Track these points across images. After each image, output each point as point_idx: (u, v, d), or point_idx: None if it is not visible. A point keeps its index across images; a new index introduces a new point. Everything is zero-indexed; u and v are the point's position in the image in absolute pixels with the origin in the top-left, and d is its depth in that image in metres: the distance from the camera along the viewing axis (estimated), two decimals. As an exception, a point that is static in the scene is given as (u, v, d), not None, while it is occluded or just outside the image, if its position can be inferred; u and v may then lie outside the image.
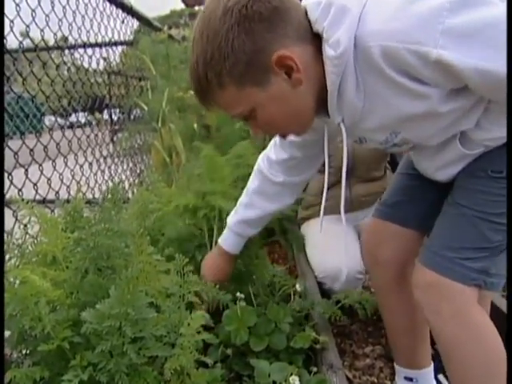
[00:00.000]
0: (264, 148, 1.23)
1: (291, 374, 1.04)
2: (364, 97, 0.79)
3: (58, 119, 2.50)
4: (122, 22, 2.65)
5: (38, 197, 1.63)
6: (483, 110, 0.81)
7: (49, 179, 1.75)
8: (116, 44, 2.64)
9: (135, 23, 2.86)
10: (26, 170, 1.60)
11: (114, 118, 3.07)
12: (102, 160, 2.32)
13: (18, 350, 0.90)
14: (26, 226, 1.01)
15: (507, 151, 0.78)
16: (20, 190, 1.47)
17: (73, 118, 2.61)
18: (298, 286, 1.45)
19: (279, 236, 1.80)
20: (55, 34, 1.91)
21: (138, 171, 2.85)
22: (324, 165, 1.02)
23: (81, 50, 2.25)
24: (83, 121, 2.60)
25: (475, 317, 0.86)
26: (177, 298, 0.96)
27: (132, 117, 3.05)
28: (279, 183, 1.19)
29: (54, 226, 0.95)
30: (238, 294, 1.23)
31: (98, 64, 2.43)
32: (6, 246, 0.93)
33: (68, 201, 1.13)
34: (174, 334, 0.87)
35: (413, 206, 1.08)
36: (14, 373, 0.75)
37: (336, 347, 1.29)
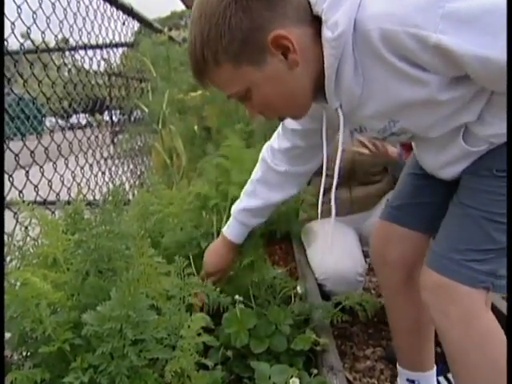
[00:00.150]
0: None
1: (291, 376, 1.04)
2: (363, 82, 0.78)
3: (59, 121, 2.50)
4: (123, 23, 2.65)
5: (38, 198, 1.64)
6: (485, 103, 0.80)
7: (49, 181, 1.75)
8: (117, 46, 2.65)
9: (136, 25, 2.87)
10: (27, 172, 1.60)
11: (115, 119, 3.07)
12: (102, 161, 2.33)
13: (18, 351, 0.90)
14: (26, 228, 1.01)
15: (507, 150, 0.78)
16: (21, 191, 1.47)
17: (73, 120, 2.61)
18: (298, 287, 1.45)
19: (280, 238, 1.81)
20: (56, 36, 1.91)
21: (139, 173, 2.86)
22: (326, 168, 1.01)
23: (81, 52, 2.25)
24: (84, 122, 2.60)
25: (483, 321, 0.84)
26: (177, 300, 0.96)
27: (132, 118, 3.06)
28: (282, 173, 1.19)
29: (55, 228, 0.95)
30: (237, 296, 1.23)
31: (98, 65, 2.44)
32: (6, 248, 0.93)
33: (69, 202, 1.13)
34: (174, 336, 0.87)
35: (420, 208, 1.07)
36: (14, 375, 0.75)
37: (336, 349, 1.29)
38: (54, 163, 1.81)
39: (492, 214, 0.82)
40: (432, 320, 0.90)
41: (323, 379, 1.11)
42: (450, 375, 1.32)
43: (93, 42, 2.27)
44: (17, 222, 1.23)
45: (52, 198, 1.74)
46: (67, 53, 2.30)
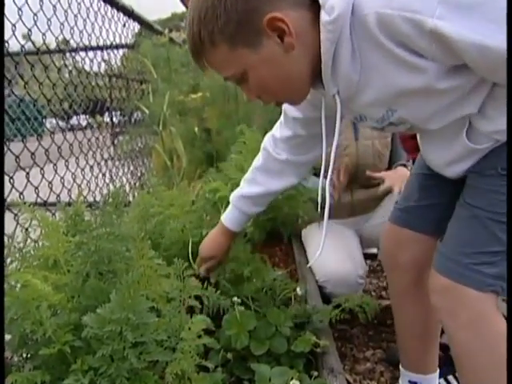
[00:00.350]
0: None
1: (292, 378, 1.03)
2: (360, 68, 0.77)
3: (60, 122, 2.51)
4: (123, 25, 2.66)
5: (39, 200, 1.64)
6: (487, 95, 0.79)
7: (50, 182, 1.75)
8: (117, 47, 2.65)
9: (136, 26, 2.87)
10: (27, 173, 1.60)
11: (115, 120, 3.08)
12: (103, 163, 2.33)
13: (18, 353, 0.90)
14: (27, 229, 1.01)
15: (507, 149, 0.77)
16: (21, 193, 1.47)
17: (74, 121, 2.62)
18: (298, 289, 1.45)
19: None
20: (57, 38, 1.91)
21: (139, 174, 2.86)
22: (327, 170, 1.00)
23: (82, 53, 2.26)
24: (84, 124, 2.60)
25: (493, 324, 0.83)
26: (177, 303, 0.96)
27: (133, 120, 3.06)
28: (283, 161, 1.19)
29: (55, 230, 0.95)
30: (236, 298, 1.23)
31: (99, 67, 2.44)
32: (7, 250, 0.93)
33: (69, 204, 1.13)
34: (174, 338, 0.87)
35: (428, 210, 1.06)
36: (14, 377, 0.75)
37: (337, 351, 1.29)
38: (55, 165, 1.81)
39: (497, 214, 0.80)
40: (441, 322, 0.90)
41: (323, 381, 1.10)
42: (450, 377, 1.32)
43: (93, 43, 2.27)
44: (17, 223, 1.23)
45: (52, 199, 1.74)
46: (68, 54, 2.31)
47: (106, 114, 2.93)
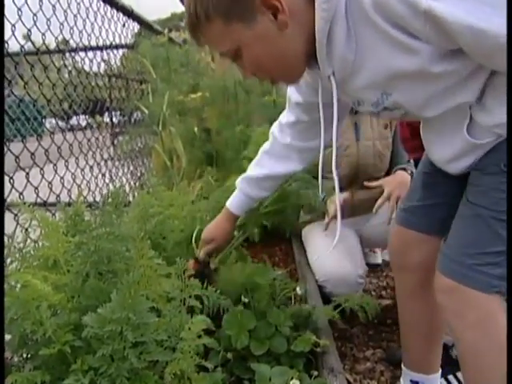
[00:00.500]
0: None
1: (292, 378, 1.04)
2: (356, 48, 0.77)
3: (59, 122, 2.51)
4: (123, 25, 2.65)
5: (38, 200, 1.63)
6: (486, 84, 0.78)
7: (50, 182, 1.75)
8: (117, 47, 2.65)
9: (136, 26, 2.87)
10: (27, 173, 1.60)
11: (115, 120, 3.07)
12: (102, 163, 2.33)
13: (19, 353, 0.90)
14: (27, 229, 1.01)
15: (507, 147, 0.76)
16: (21, 193, 1.47)
17: (73, 121, 2.62)
18: (298, 289, 1.45)
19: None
20: (56, 38, 1.91)
21: (139, 174, 2.85)
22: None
23: (82, 54, 2.26)
24: (84, 124, 2.60)
25: (501, 324, 0.82)
26: (177, 303, 0.96)
27: (133, 120, 3.06)
28: (287, 146, 1.21)
29: (55, 230, 0.95)
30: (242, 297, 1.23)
31: (98, 67, 2.44)
32: (7, 250, 0.93)
33: (69, 204, 1.14)
34: (174, 338, 0.87)
35: (433, 210, 1.06)
36: (14, 377, 0.75)
37: (337, 351, 1.29)
38: (55, 165, 1.81)
39: (500, 212, 0.80)
40: (447, 321, 0.90)
41: (323, 381, 1.11)
42: (450, 377, 1.33)
43: (93, 43, 2.27)
44: (17, 223, 1.23)
45: (52, 199, 1.74)
46: (67, 54, 2.31)
47: (106, 114, 2.93)
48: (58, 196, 1.79)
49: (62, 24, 1.90)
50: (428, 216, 1.07)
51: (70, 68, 2.27)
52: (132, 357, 0.78)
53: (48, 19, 1.77)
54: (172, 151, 2.31)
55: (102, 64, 2.52)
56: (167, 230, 1.39)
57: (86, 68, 2.37)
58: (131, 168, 2.78)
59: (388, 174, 1.91)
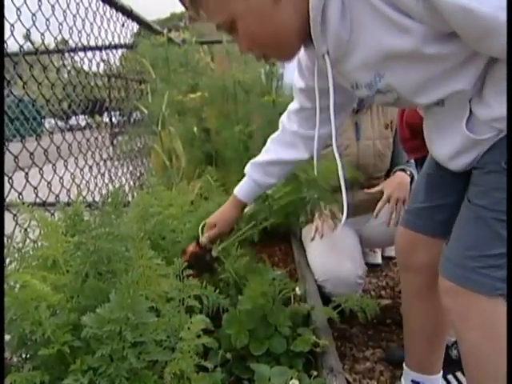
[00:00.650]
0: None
1: (291, 378, 1.04)
2: (350, 27, 0.78)
3: (58, 122, 2.50)
4: (122, 25, 2.65)
5: (38, 200, 1.63)
6: (483, 73, 0.78)
7: (49, 182, 1.75)
8: (116, 47, 2.65)
9: (135, 26, 2.87)
10: (26, 173, 1.60)
11: (114, 120, 3.07)
12: (102, 163, 2.32)
13: (18, 354, 0.90)
14: (26, 229, 1.01)
15: (507, 146, 0.76)
16: (20, 193, 1.47)
17: (73, 121, 2.61)
18: (298, 289, 1.45)
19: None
20: (55, 38, 1.91)
21: (138, 174, 2.85)
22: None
23: (81, 54, 2.25)
24: (83, 124, 2.60)
25: (504, 329, 0.82)
26: (177, 302, 0.96)
27: (132, 120, 3.05)
28: (293, 133, 1.22)
29: (55, 230, 0.95)
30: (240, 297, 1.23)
31: (98, 67, 2.43)
32: (6, 250, 0.93)
33: (68, 204, 1.13)
34: (174, 338, 0.87)
35: (436, 211, 1.06)
36: (14, 377, 0.75)
37: (336, 351, 1.29)
38: (54, 165, 1.81)
39: (501, 213, 0.79)
40: (451, 322, 0.90)
41: (323, 381, 1.10)
42: (449, 377, 1.33)
43: (92, 43, 2.27)
44: (16, 223, 1.23)
45: (51, 199, 1.74)
46: (66, 54, 2.30)
47: (105, 114, 2.92)
48: (58, 196, 1.78)
49: (61, 24, 1.90)
50: (431, 218, 1.07)
51: (69, 68, 2.27)
52: (131, 357, 0.77)
53: (47, 19, 1.77)
54: (171, 151, 2.31)
55: (102, 64, 2.52)
56: (167, 229, 1.39)
57: (85, 68, 2.37)
58: (130, 168, 2.78)
59: (388, 174, 1.91)
